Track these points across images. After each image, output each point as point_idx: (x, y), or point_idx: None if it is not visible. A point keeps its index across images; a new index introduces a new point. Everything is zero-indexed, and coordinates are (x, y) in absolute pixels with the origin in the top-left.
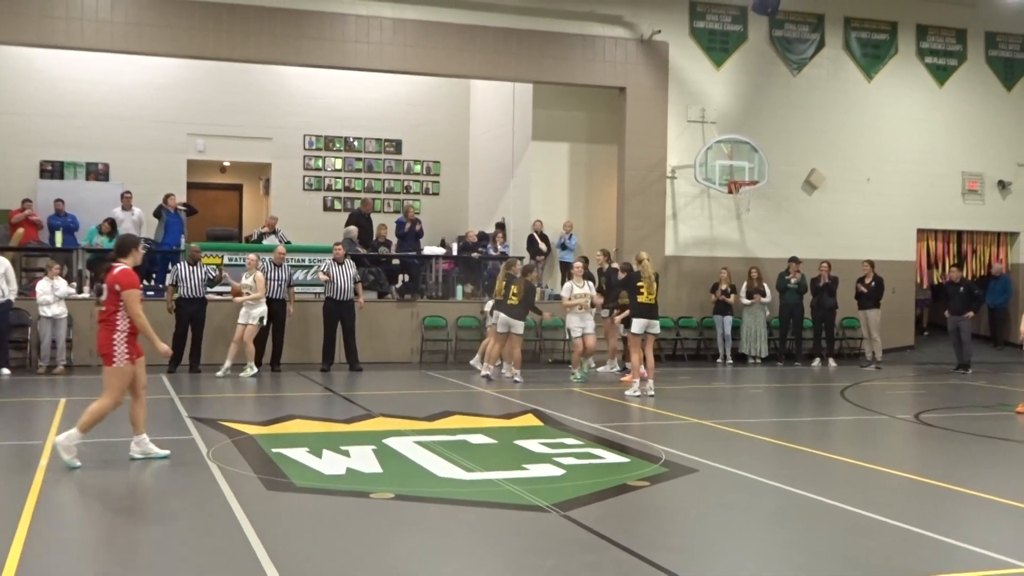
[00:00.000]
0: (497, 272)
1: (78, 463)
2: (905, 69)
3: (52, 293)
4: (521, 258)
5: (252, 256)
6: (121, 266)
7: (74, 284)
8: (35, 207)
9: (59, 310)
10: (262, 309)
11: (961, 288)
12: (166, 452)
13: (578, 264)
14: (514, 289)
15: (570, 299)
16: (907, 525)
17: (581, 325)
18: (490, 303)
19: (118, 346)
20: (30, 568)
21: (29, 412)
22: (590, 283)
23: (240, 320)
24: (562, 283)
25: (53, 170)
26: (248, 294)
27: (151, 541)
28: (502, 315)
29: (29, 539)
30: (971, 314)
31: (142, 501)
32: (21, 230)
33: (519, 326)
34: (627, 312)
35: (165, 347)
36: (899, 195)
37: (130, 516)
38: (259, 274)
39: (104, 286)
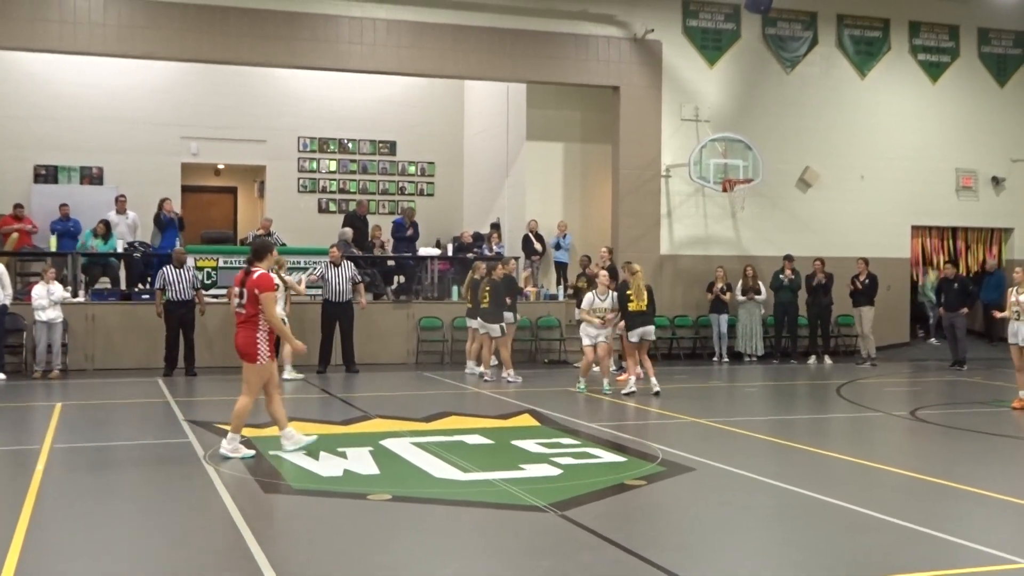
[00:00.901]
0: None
1: (251, 451)
2: (898, 66)
3: (48, 297)
4: (481, 257)
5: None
6: (259, 270)
7: (69, 288)
8: (30, 211)
9: (54, 314)
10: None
11: (955, 284)
12: (313, 438)
13: (604, 274)
14: (483, 292)
15: (589, 311)
16: (905, 522)
17: (593, 334)
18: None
19: (260, 345)
20: (28, 572)
21: (25, 417)
22: (614, 295)
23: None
24: (557, 283)
25: (47, 174)
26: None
27: (149, 544)
28: (479, 318)
29: (27, 543)
30: (966, 310)
31: (139, 504)
32: (16, 235)
33: (495, 329)
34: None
35: (300, 344)
36: (893, 192)
37: (127, 519)
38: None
39: (244, 289)
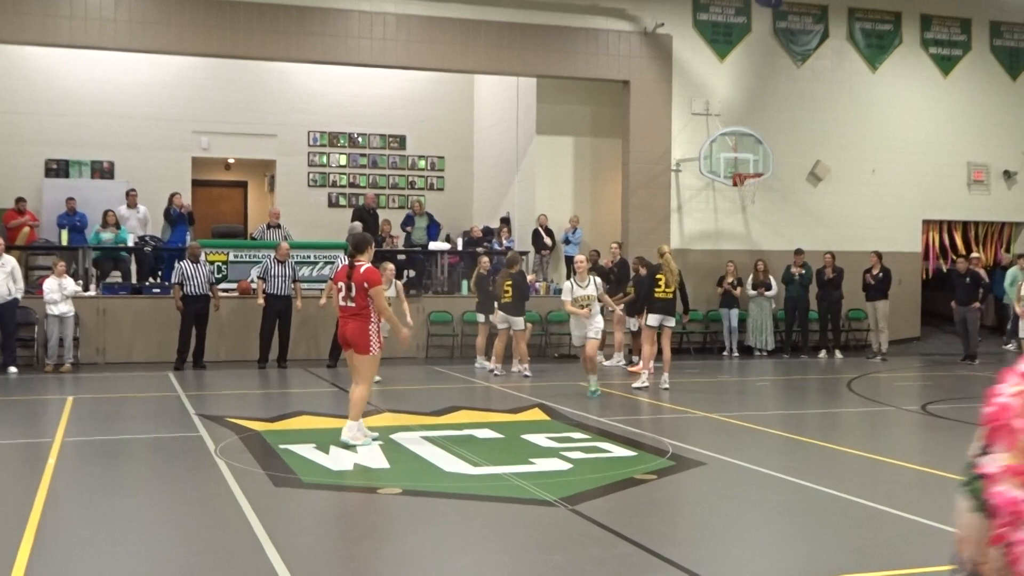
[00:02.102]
0: (499, 269)
1: (374, 435)
2: (909, 59)
3: (59, 291)
4: (490, 252)
5: (390, 266)
6: (365, 264)
7: (80, 282)
8: (41, 206)
9: (66, 308)
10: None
11: (967, 278)
12: (375, 435)
13: (580, 258)
14: (505, 286)
15: (570, 302)
16: (916, 516)
17: (579, 333)
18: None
19: (372, 337)
20: (39, 565)
21: (37, 410)
22: (597, 280)
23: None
24: (567, 277)
25: (58, 168)
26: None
27: (160, 538)
28: (500, 312)
29: (38, 537)
30: (978, 304)
31: (150, 498)
32: (27, 229)
33: (518, 321)
34: (629, 297)
35: (406, 331)
36: (904, 186)
37: (138, 514)
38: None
39: (351, 283)
